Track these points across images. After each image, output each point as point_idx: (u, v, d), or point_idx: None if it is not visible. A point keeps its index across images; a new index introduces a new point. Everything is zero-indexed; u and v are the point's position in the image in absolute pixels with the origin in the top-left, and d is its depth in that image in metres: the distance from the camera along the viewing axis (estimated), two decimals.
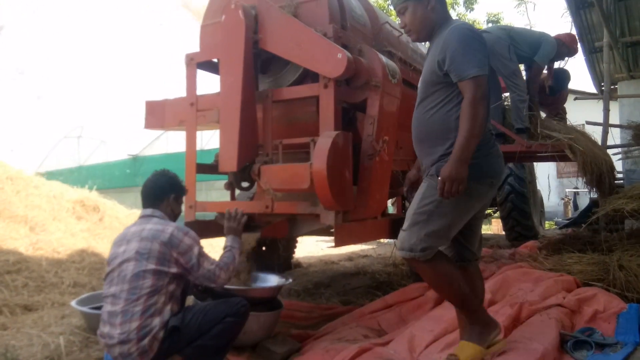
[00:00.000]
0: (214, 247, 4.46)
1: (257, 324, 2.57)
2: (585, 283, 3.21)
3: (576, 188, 14.04)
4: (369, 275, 4.70)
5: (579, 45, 5.83)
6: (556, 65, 5.81)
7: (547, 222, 9.64)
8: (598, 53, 9.45)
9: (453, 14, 17.80)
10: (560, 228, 8.34)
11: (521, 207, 6.78)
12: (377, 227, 3.37)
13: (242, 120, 2.94)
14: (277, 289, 2.75)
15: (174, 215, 2.47)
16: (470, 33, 1.99)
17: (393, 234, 3.46)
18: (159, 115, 3.49)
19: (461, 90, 1.97)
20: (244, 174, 3.02)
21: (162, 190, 2.41)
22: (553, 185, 17.70)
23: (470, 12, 17.87)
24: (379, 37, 3.69)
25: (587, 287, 3.08)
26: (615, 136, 9.49)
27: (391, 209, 4.95)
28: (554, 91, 5.88)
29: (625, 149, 9.16)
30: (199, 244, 2.27)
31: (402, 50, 4.03)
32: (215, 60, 3.37)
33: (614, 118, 10.14)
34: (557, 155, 4.44)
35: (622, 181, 7.85)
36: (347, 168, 2.77)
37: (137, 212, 6.52)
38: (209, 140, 9.12)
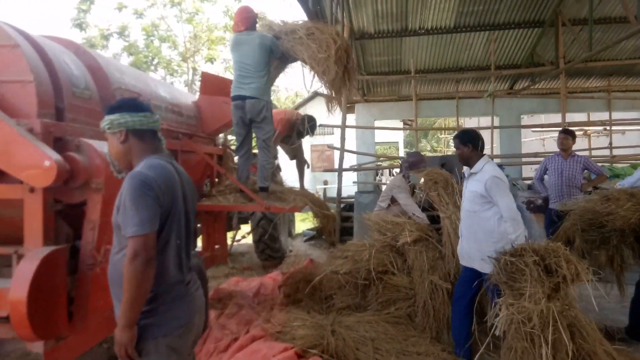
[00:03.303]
0: None
1: None
2: (305, 350, 3.62)
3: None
4: None
5: None
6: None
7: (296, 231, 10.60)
8: None
9: None
10: (305, 241, 9.30)
11: (271, 233, 7.31)
12: (109, 322, 3.08)
13: None
14: None
15: None
16: (139, 185, 1.88)
17: None
18: None
19: None
20: None
21: None
22: None
23: None
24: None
25: None
26: (351, 160, 11.09)
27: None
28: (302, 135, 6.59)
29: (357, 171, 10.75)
30: None
31: None
32: None
33: (351, 139, 11.72)
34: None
35: (352, 199, 9.22)
36: (58, 292, 2.47)
37: None
38: None
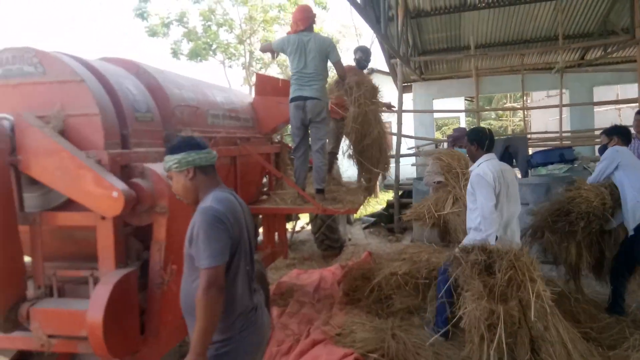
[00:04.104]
0: None
1: None
2: (365, 355, 3.67)
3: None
4: None
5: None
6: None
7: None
8: (395, 59, 10.41)
9: None
10: (364, 228, 9.29)
11: (329, 224, 7.38)
12: (179, 331, 3.24)
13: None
14: None
15: None
16: (212, 220, 2.00)
17: None
18: None
19: None
20: (9, 319, 2.65)
21: None
22: None
23: None
24: (171, 122, 3.48)
25: None
26: (409, 142, 10.85)
27: None
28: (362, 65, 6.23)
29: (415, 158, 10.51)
30: None
31: (201, 124, 3.89)
32: None
33: (409, 119, 11.45)
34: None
35: (410, 185, 9.02)
36: (131, 311, 2.65)
37: None
38: None
